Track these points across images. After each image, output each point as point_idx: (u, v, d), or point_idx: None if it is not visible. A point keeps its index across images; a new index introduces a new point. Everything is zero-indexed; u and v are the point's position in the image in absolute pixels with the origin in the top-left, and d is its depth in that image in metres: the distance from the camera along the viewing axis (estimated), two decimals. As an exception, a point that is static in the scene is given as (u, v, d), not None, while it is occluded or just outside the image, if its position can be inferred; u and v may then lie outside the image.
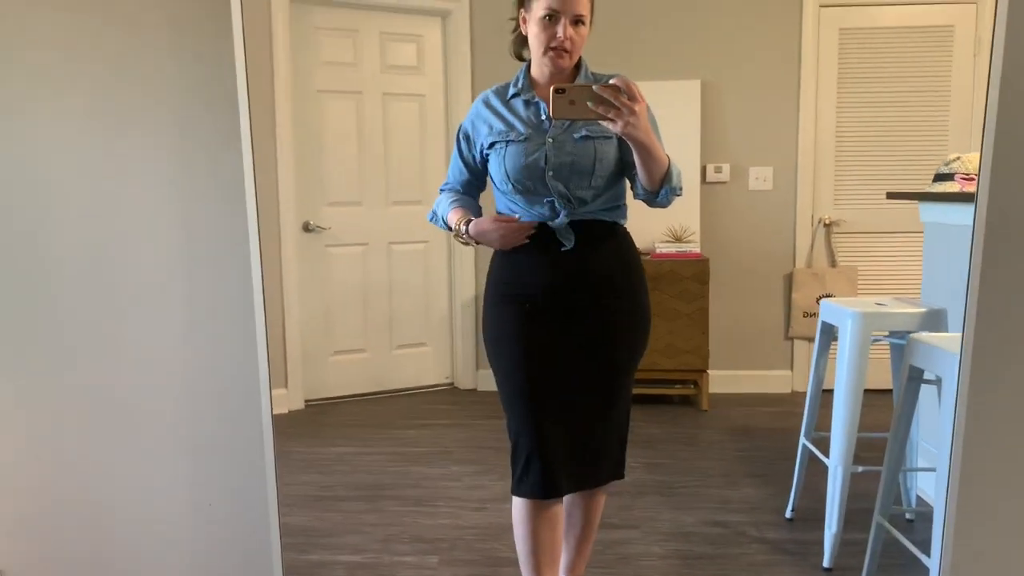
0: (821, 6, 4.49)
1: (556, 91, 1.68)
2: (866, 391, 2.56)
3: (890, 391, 2.94)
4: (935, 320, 2.57)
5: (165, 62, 1.60)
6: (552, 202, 1.95)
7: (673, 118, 4.37)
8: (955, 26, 4.45)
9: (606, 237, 2.01)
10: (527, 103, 2.00)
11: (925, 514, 2.92)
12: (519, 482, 1.98)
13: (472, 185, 2.16)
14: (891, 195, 3.17)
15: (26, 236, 1.65)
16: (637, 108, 1.68)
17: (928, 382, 2.15)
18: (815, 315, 4.62)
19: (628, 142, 1.77)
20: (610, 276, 2.00)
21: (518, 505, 2.02)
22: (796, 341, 4.71)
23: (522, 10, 1.99)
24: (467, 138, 2.10)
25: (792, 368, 4.74)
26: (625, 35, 4.49)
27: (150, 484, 1.73)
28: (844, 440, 2.58)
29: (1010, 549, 1.46)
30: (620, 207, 2.05)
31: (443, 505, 3.14)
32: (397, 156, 4.69)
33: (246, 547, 1.75)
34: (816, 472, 3.16)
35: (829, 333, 2.85)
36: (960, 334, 2.18)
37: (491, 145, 2.01)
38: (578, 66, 2.01)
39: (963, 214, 2.81)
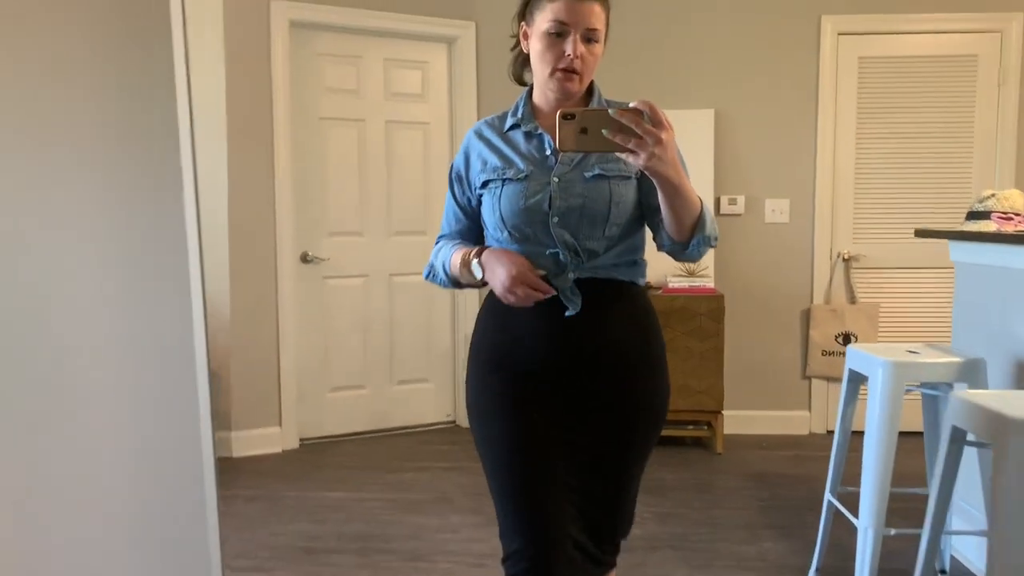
0: (840, 34, 4.34)
1: (564, 117, 1.35)
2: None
3: (921, 434, 2.74)
4: (973, 371, 2.38)
5: (98, 67, 1.41)
6: (556, 255, 1.62)
7: (686, 149, 4.18)
8: (979, 55, 4.29)
9: (621, 300, 1.66)
10: (528, 135, 1.69)
11: (958, 573, 2.72)
12: None
13: (473, 233, 1.81)
14: (920, 233, 2.98)
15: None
16: (664, 137, 1.34)
17: (972, 444, 1.96)
18: (833, 353, 4.42)
19: (653, 180, 1.43)
20: (625, 352, 1.66)
21: None
22: (814, 380, 4.51)
23: (523, 23, 1.68)
24: (460, 179, 1.77)
25: (810, 409, 4.53)
26: (634, 62, 4.34)
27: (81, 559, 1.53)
28: (875, 500, 2.38)
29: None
30: (638, 263, 1.71)
31: (441, 560, 2.94)
32: (400, 185, 4.53)
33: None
34: (842, 525, 2.95)
35: (857, 381, 2.66)
36: (1007, 391, 2.00)
37: (484, 184, 1.69)
38: (590, 91, 1.71)
39: (999, 255, 2.63)
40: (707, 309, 4.11)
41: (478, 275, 1.63)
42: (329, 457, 4.17)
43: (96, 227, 1.42)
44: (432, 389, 4.70)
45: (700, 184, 4.30)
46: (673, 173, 1.41)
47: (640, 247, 1.70)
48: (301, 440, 4.35)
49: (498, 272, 1.57)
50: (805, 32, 4.37)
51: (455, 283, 1.74)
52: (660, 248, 1.65)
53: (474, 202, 1.75)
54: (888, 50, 4.35)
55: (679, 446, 4.30)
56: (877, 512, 2.38)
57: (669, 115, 1.38)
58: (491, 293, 1.67)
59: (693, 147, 4.34)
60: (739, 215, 4.44)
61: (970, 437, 1.99)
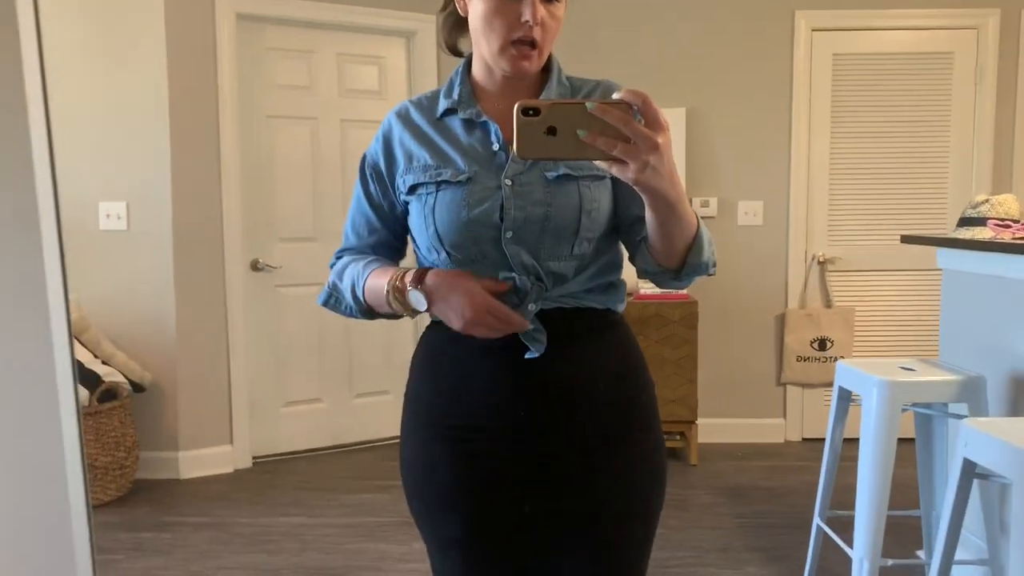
0: (813, 30, 4.20)
1: (524, 111, 0.97)
2: (896, 473, 2.21)
3: (911, 440, 2.58)
4: (973, 391, 2.23)
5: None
6: (512, 281, 1.23)
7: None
8: (955, 53, 4.18)
9: (597, 335, 1.29)
10: (468, 123, 1.28)
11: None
12: None
13: (389, 249, 1.40)
14: (907, 239, 2.84)
15: None
16: (661, 141, 0.98)
17: (983, 476, 1.81)
18: (809, 359, 4.29)
19: (643, 196, 1.07)
20: (608, 400, 1.27)
21: None
22: (789, 387, 4.37)
23: None
24: (378, 175, 1.35)
25: (785, 416, 4.39)
26: (602, 58, 4.16)
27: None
28: (871, 529, 2.23)
29: None
30: (615, 286, 1.33)
31: (405, 596, 2.73)
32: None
33: None
34: (829, 546, 2.80)
35: (847, 399, 2.51)
36: (1021, 419, 1.84)
37: (412, 189, 1.28)
38: (547, 68, 1.31)
39: (995, 264, 2.48)
40: (680, 316, 3.95)
41: (420, 307, 1.22)
42: (284, 477, 3.93)
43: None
44: (393, 402, 4.48)
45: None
46: (671, 189, 1.05)
47: (618, 265, 1.33)
48: (254, 458, 4.10)
49: (453, 303, 1.19)
50: (778, 28, 4.22)
51: (368, 313, 1.34)
52: (642, 272, 1.27)
53: (399, 209, 1.35)
54: (863, 47, 4.21)
55: (652, 458, 4.13)
56: (873, 542, 2.22)
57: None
58: (428, 332, 1.35)
59: (664, 147, 4.17)
60: (712, 218, 4.28)
61: (979, 468, 1.84)
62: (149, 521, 3.36)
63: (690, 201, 4.18)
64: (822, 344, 4.27)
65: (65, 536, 1.21)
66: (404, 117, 1.33)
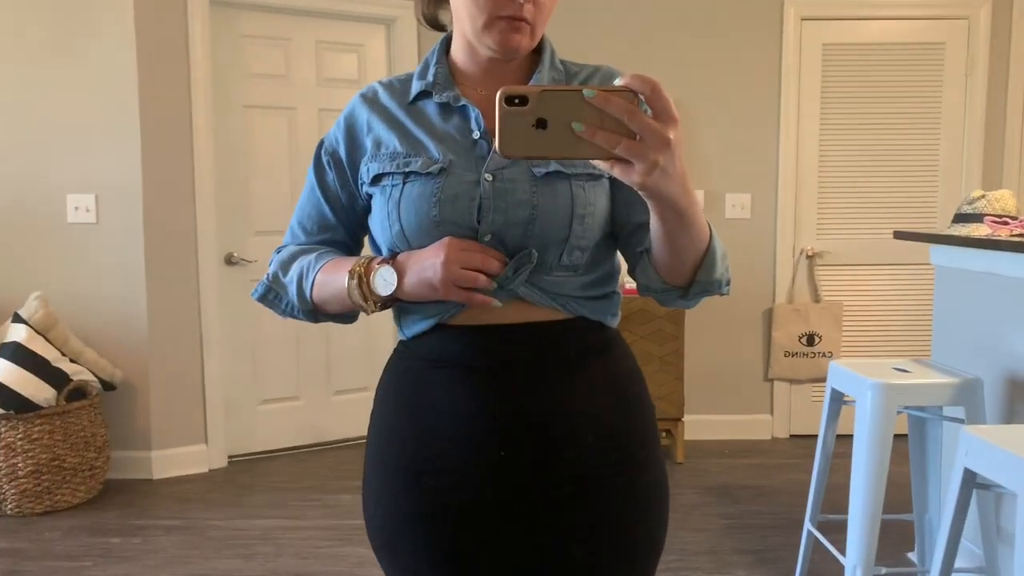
0: (803, 19, 4.11)
1: (508, 100, 0.81)
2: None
3: (903, 436, 2.51)
4: (970, 394, 2.16)
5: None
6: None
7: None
8: (946, 43, 4.10)
9: (591, 354, 1.14)
10: (445, 108, 1.13)
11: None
12: None
13: (342, 248, 1.23)
14: (899, 235, 2.76)
15: None
16: (672, 137, 0.82)
17: (984, 486, 1.73)
18: (797, 354, 4.22)
19: (650, 202, 0.91)
20: (602, 434, 1.11)
21: None
22: (776, 383, 4.31)
23: None
24: (337, 162, 1.20)
25: (772, 413, 4.33)
26: (584, 46, 4.05)
27: None
28: (864, 537, 2.15)
29: None
30: (610, 297, 1.17)
31: (383, 604, 2.64)
32: (335, 179, 4.18)
33: None
34: (819, 551, 2.73)
35: (839, 401, 2.43)
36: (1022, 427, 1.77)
37: (376, 179, 1.13)
38: (539, 50, 1.17)
39: (990, 260, 2.41)
40: (666, 311, 3.86)
41: (387, 289, 1.06)
42: (260, 477, 3.82)
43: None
44: (372, 398, 4.37)
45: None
46: (682, 194, 0.88)
47: (614, 276, 1.18)
48: (229, 458, 3.99)
49: (427, 257, 1.04)
50: (767, 16, 4.12)
51: (313, 313, 1.19)
52: (644, 289, 1.11)
53: (359, 203, 1.19)
54: (853, 36, 4.13)
55: (637, 456, 4.05)
56: (866, 549, 2.15)
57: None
58: (393, 359, 1.21)
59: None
60: (698, 210, 4.19)
61: (979, 478, 1.76)
62: (119, 524, 3.25)
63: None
64: (810, 339, 4.20)
65: None
66: (371, 100, 1.18)
